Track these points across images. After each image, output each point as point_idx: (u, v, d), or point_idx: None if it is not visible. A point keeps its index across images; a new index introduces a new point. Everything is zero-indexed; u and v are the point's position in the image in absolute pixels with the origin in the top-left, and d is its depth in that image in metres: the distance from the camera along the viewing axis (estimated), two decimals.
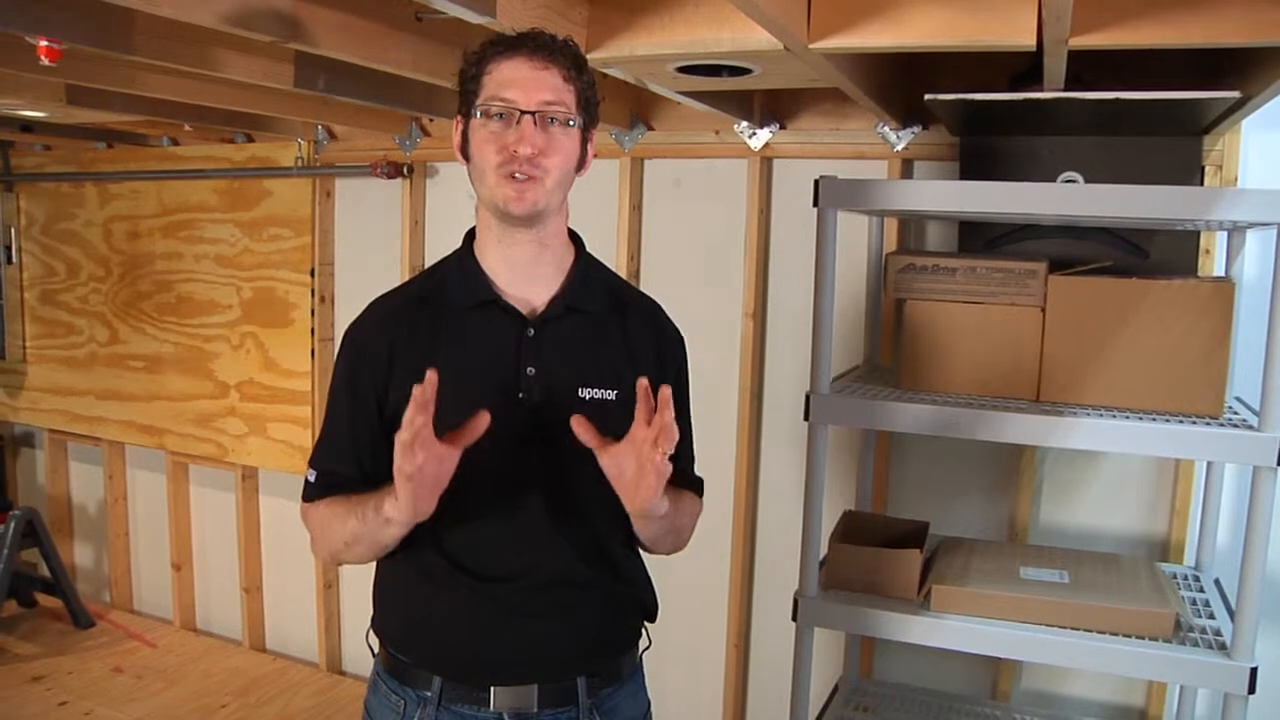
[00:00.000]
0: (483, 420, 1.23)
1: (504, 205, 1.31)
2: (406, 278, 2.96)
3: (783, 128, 2.49)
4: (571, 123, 1.33)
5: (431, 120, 2.90)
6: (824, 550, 1.99)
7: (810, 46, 1.46)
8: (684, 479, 1.50)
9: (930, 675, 2.44)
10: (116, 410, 3.58)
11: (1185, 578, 2.13)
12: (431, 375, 1.18)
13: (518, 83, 1.30)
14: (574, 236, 1.47)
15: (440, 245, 3.02)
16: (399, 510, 1.23)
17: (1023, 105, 1.81)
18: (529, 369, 1.36)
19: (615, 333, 1.44)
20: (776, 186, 2.56)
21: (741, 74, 1.75)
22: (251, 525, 3.43)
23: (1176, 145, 2.05)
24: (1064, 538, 2.32)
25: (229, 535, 3.46)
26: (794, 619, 1.95)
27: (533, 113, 1.29)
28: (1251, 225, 1.85)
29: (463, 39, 1.91)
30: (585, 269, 1.45)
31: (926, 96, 1.77)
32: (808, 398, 1.88)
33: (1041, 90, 1.72)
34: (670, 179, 2.70)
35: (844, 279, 2.40)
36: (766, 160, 2.55)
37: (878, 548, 1.96)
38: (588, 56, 1.67)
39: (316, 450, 1.45)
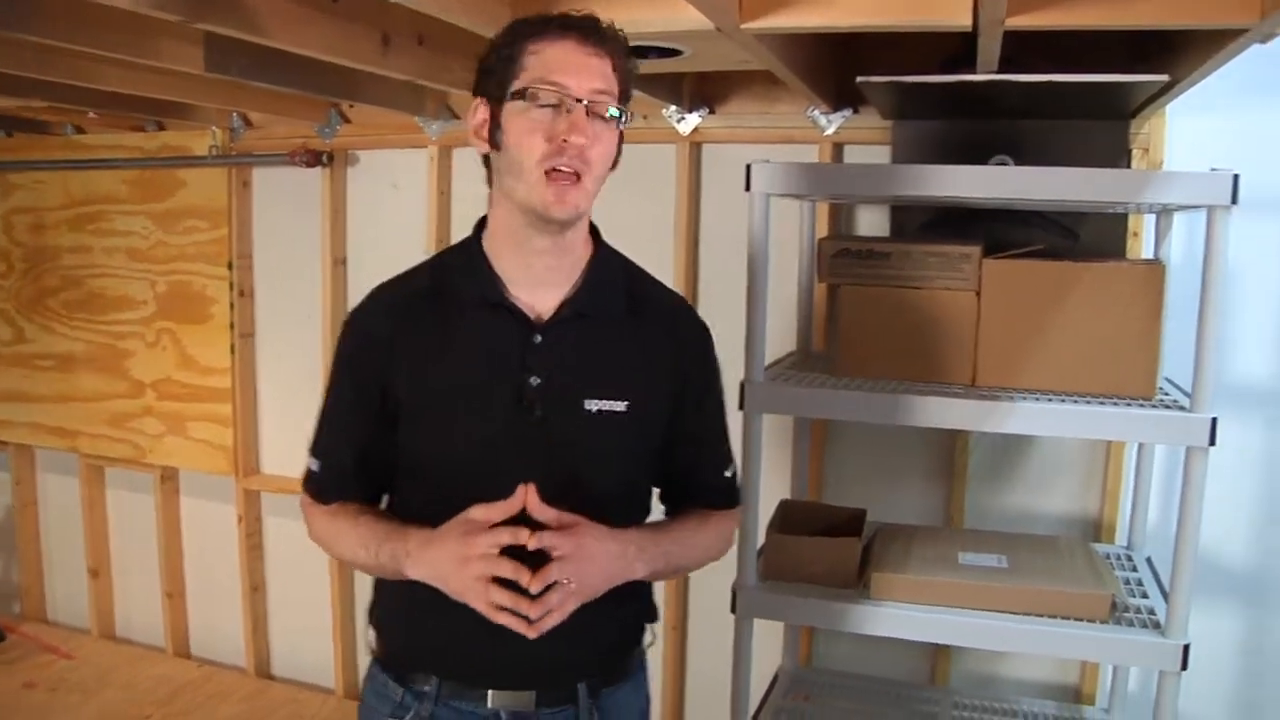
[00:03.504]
0: (519, 497, 1.21)
1: (544, 209, 1.21)
2: (328, 269, 2.90)
3: (712, 112, 2.46)
4: (618, 118, 1.23)
5: (352, 106, 2.81)
6: (761, 540, 1.96)
7: (742, 27, 1.42)
8: (712, 492, 1.46)
9: (869, 661, 2.43)
10: (24, 412, 3.42)
11: (1119, 557, 2.15)
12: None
13: (571, 67, 1.19)
14: (592, 229, 1.38)
15: (362, 235, 2.97)
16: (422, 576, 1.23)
17: (955, 88, 1.80)
18: (533, 379, 1.28)
19: (628, 339, 1.34)
20: (706, 172, 2.53)
21: (671, 55, 1.71)
22: (172, 528, 3.31)
23: (1105, 129, 2.06)
24: (1000, 520, 2.33)
25: (148, 539, 3.33)
26: (733, 610, 1.92)
27: (585, 101, 1.19)
28: (1180, 208, 1.86)
29: (380, 21, 1.85)
30: (601, 267, 1.35)
31: (858, 79, 1.74)
32: (742, 386, 1.84)
33: (974, 73, 1.70)
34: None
35: (775, 265, 2.35)
36: (695, 145, 2.51)
37: (816, 537, 1.94)
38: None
39: (317, 437, 1.40)
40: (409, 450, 1.33)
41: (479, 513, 1.20)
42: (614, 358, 1.34)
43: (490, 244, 1.32)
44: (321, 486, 1.39)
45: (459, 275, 1.34)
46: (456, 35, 1.64)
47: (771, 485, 2.33)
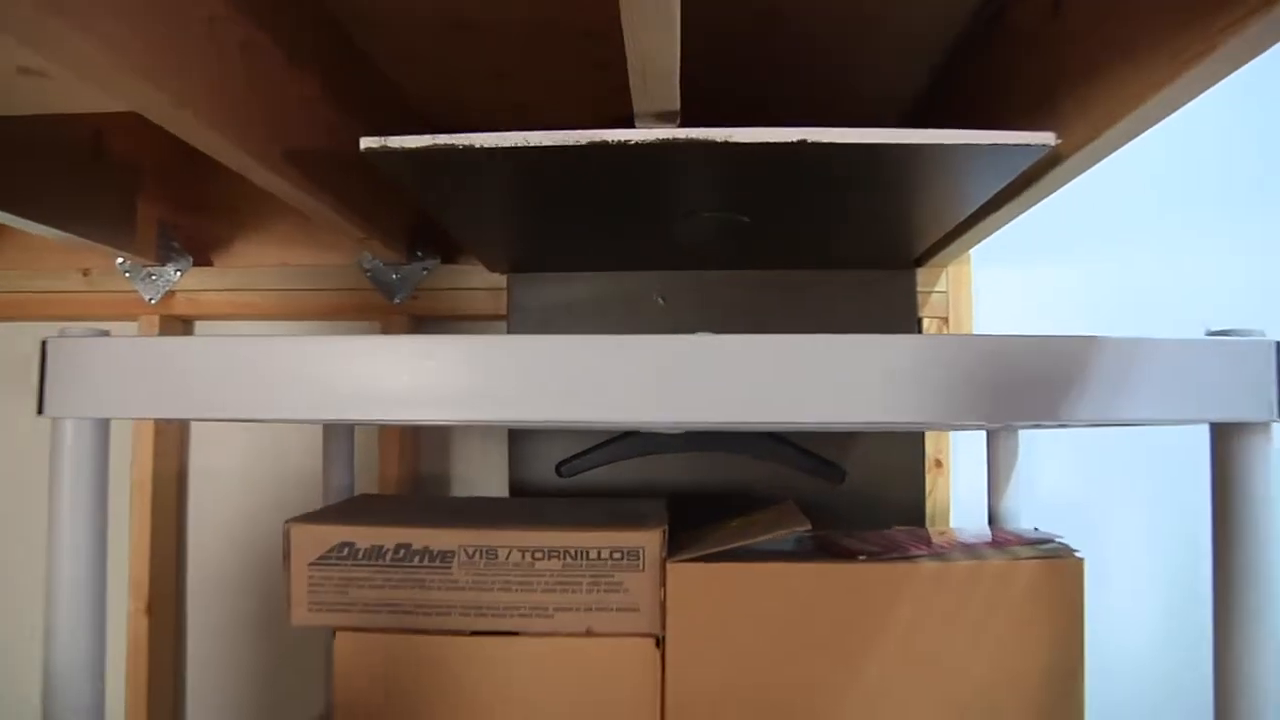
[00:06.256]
0: None
1: None
2: None
3: (205, 263, 1.38)
4: None
5: None
6: None
7: None
8: None
9: None
10: None
11: None
12: None
13: None
14: None
15: None
16: None
17: (606, 199, 0.83)
18: None
19: None
20: None
21: None
22: None
23: (878, 284, 1.15)
24: None
25: None
26: None
27: None
28: (1154, 423, 0.94)
29: None
30: None
31: (363, 143, 0.72)
32: None
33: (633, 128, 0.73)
34: (16, 358, 1.47)
35: None
36: (177, 322, 1.40)
37: None
38: None
39: None
40: None
41: None
42: None
43: None
44: None
45: None
46: None
47: None
